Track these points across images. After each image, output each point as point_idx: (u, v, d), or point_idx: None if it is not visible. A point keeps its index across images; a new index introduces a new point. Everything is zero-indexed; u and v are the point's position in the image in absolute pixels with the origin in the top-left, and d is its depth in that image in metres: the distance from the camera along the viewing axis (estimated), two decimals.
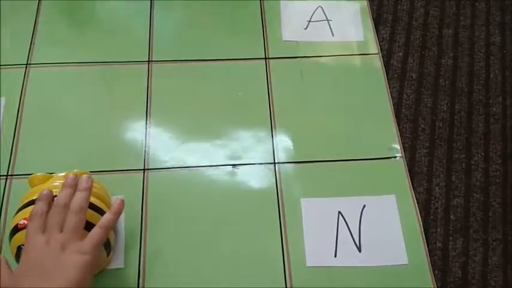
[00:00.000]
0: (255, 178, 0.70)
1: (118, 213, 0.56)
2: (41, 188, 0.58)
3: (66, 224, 0.53)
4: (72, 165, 0.68)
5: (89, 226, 0.55)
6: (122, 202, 0.56)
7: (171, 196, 0.67)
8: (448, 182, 0.71)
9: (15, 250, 0.56)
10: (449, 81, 0.79)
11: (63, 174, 0.61)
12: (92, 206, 0.57)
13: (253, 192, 0.68)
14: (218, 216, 0.66)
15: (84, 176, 0.58)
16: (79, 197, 0.55)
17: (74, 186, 0.56)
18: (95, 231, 0.54)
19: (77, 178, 0.57)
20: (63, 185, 0.56)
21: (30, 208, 0.56)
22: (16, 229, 0.55)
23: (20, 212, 0.57)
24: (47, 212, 0.54)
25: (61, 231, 0.53)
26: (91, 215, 0.56)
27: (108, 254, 0.60)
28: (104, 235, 0.54)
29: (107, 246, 0.59)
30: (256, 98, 0.76)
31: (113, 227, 0.57)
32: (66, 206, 0.54)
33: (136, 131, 0.72)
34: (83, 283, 0.51)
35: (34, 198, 0.57)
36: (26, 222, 0.55)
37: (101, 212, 0.58)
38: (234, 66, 0.78)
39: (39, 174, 0.61)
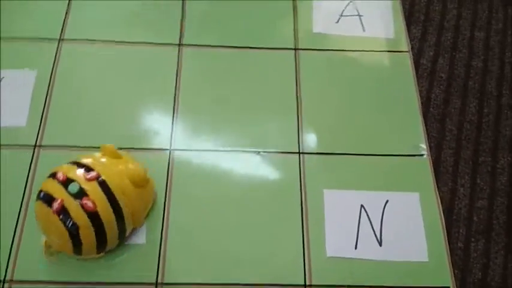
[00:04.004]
0: (279, 166, 0.70)
1: None
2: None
3: None
4: (100, 140, 0.68)
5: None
6: None
7: (195, 177, 0.68)
8: (473, 183, 0.70)
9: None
10: (478, 83, 0.79)
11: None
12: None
13: (276, 180, 0.69)
14: (240, 200, 0.67)
15: None
16: None
17: None
18: None
19: None
20: None
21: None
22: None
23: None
24: None
25: None
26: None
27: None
28: None
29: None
30: (284, 88, 0.76)
31: None
32: None
33: (165, 111, 0.72)
34: None
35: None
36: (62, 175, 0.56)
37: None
38: (263, 55, 0.78)
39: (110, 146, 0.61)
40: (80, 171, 0.57)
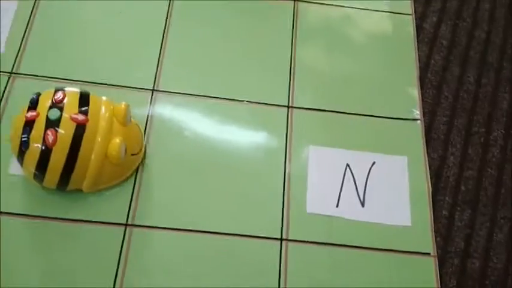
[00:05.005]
0: (266, 118, 0.67)
1: None
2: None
3: None
4: (80, 73, 0.66)
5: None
6: None
7: (176, 121, 0.65)
8: (464, 153, 0.68)
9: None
10: (479, 54, 0.76)
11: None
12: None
13: (262, 132, 0.66)
14: (221, 148, 0.64)
15: None
16: None
17: None
18: None
19: None
20: None
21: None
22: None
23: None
24: None
25: None
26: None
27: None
28: None
29: None
30: (280, 40, 0.72)
31: None
32: None
33: (151, 51, 0.69)
34: None
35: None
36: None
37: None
38: (261, 4, 0.75)
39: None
40: (75, 105, 0.54)
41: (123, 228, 0.58)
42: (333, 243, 0.59)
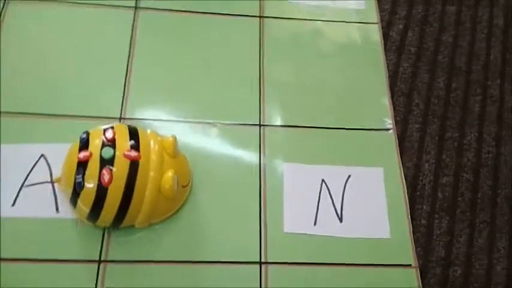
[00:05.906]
0: (238, 138, 0.66)
1: None
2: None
3: None
4: (43, 106, 0.64)
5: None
6: None
7: None
8: (439, 159, 0.68)
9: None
10: (448, 58, 0.76)
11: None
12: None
13: (235, 153, 0.65)
14: (197, 173, 0.62)
15: None
16: None
17: None
18: None
19: None
20: None
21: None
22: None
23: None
24: None
25: None
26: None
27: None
28: None
29: None
30: (247, 57, 0.72)
31: None
32: None
33: (117, 78, 0.67)
34: None
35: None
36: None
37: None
38: (226, 22, 0.74)
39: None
40: (126, 142, 0.53)
41: (96, 264, 0.56)
42: (314, 262, 0.59)
